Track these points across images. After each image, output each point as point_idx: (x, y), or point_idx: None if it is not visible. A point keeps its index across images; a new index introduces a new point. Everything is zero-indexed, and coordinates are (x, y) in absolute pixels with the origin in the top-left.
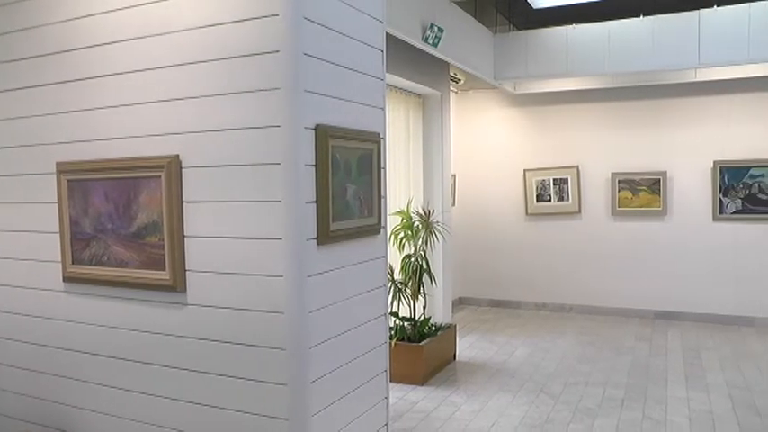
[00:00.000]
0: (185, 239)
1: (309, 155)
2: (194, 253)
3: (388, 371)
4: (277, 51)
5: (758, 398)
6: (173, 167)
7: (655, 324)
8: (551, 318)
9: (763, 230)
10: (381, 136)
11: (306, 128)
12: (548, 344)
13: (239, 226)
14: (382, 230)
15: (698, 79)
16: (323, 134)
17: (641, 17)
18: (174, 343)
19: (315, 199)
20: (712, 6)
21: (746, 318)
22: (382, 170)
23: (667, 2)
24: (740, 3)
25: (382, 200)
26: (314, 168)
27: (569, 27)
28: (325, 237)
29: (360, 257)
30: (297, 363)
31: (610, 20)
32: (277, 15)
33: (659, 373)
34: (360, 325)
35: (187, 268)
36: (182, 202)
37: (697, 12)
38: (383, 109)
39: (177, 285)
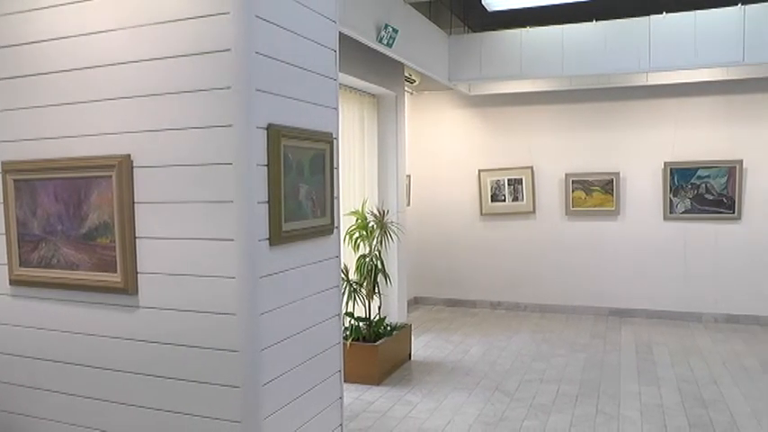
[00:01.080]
0: (137, 241)
1: (261, 155)
2: (146, 255)
3: (342, 371)
4: (228, 50)
5: (704, 390)
6: (124, 167)
7: (608, 321)
8: (506, 316)
9: (711, 229)
10: (334, 136)
11: (258, 127)
12: (503, 342)
13: (191, 227)
14: (335, 231)
15: (649, 83)
16: (275, 134)
17: (594, 22)
18: (125, 347)
19: (267, 199)
20: (661, 13)
21: (695, 314)
22: (335, 170)
23: (619, 8)
24: (686, 11)
25: (335, 200)
26: (266, 168)
27: (523, 30)
28: (277, 237)
29: (313, 258)
30: (249, 365)
31: (563, 23)
32: (228, 13)
33: (612, 369)
34: (313, 326)
35: (139, 270)
36: (133, 202)
37: (647, 18)
38: (336, 109)
39: (129, 288)
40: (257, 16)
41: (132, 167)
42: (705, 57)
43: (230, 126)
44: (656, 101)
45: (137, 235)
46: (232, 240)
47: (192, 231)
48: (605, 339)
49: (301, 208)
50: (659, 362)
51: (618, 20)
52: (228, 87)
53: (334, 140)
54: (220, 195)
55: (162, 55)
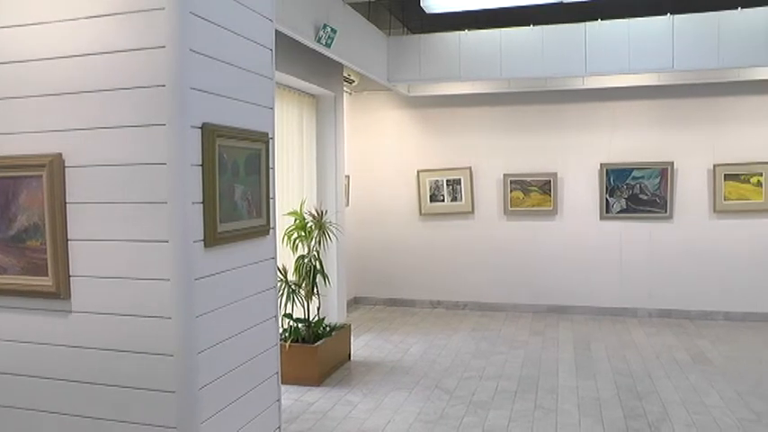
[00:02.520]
0: (69, 243)
1: (196, 154)
2: (79, 257)
3: (280, 373)
4: (162, 47)
5: (639, 383)
6: (54, 167)
7: (547, 318)
8: (446, 315)
9: (645, 228)
10: (270, 136)
11: (192, 127)
12: (442, 341)
13: (125, 228)
14: (271, 231)
15: (585, 86)
16: (210, 133)
17: (531, 27)
18: (57, 353)
19: (202, 200)
20: (597, 20)
21: (631, 309)
22: (271, 170)
23: (556, 14)
24: (620, 18)
25: (271, 200)
26: (200, 168)
27: (462, 33)
28: (212, 238)
29: (249, 259)
30: (185, 369)
31: (502, 28)
32: (162, 9)
33: (551, 364)
34: (250, 328)
35: (71, 274)
36: (64, 203)
37: (583, 24)
38: (272, 109)
39: (61, 292)
40: (192, 13)
41: (64, 167)
42: (638, 63)
43: (164, 125)
44: (592, 104)
45: (69, 237)
46: (166, 242)
47: (125, 233)
48: (544, 336)
49: (237, 209)
50: (596, 357)
51: (555, 25)
52: (162, 85)
53: (270, 140)
54: (154, 196)
55: (94, 51)
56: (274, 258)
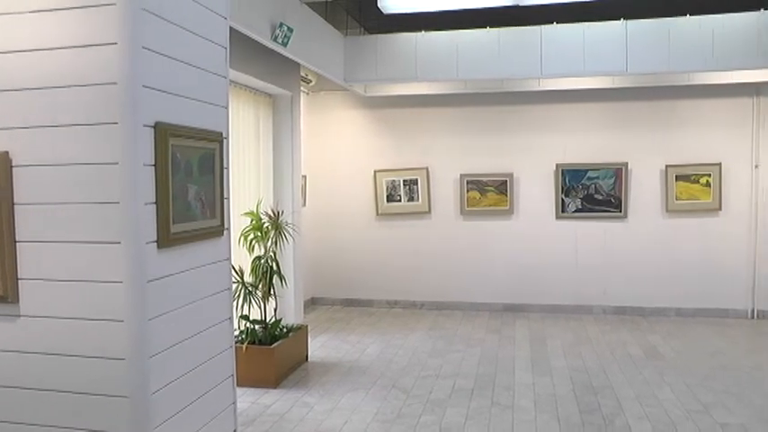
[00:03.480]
0: (17, 245)
1: (148, 154)
2: (27, 260)
3: (235, 376)
4: (114, 43)
5: (594, 378)
6: (1, 166)
7: (503, 316)
8: (403, 315)
9: (600, 227)
10: (224, 135)
11: (144, 125)
12: (399, 340)
13: (75, 229)
14: (226, 232)
15: (541, 88)
16: (163, 132)
17: (488, 28)
18: (6, 359)
19: (154, 200)
20: (552, 23)
21: (586, 306)
22: (225, 170)
23: (512, 17)
24: (576, 22)
25: (225, 201)
26: (153, 168)
27: (419, 34)
28: (165, 239)
29: (203, 260)
30: (137, 373)
31: (458, 29)
32: (113, 5)
33: (507, 362)
34: (204, 330)
35: (19, 276)
36: (12, 203)
37: (539, 27)
38: (226, 108)
39: (9, 296)
40: (144, 9)
41: (11, 166)
42: (592, 66)
43: (116, 124)
44: (548, 106)
45: (17, 239)
46: (118, 243)
47: (76, 234)
48: (500, 334)
49: (190, 209)
50: (552, 353)
51: (511, 28)
52: (114, 83)
53: (225, 140)
54: (106, 196)
55: (43, 46)
56: (229, 259)
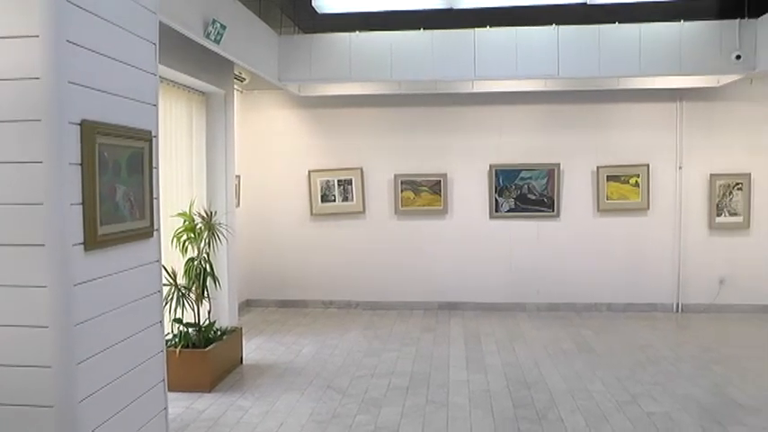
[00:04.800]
0: None
1: (74, 153)
2: None
3: (166, 380)
4: (36, 36)
5: (527, 373)
6: None
7: (438, 315)
8: (338, 315)
9: (533, 226)
10: (154, 134)
11: (70, 123)
12: (334, 341)
13: None
14: (156, 233)
15: (475, 90)
16: (89, 130)
17: (422, 30)
18: None
19: (81, 201)
20: (485, 27)
21: (520, 304)
22: (155, 170)
23: (446, 19)
24: (508, 26)
25: (155, 201)
26: (79, 167)
27: (353, 34)
28: (92, 241)
29: (132, 262)
30: (64, 381)
31: (392, 30)
32: None
33: (442, 360)
34: (134, 334)
35: None
36: None
37: (472, 30)
38: (156, 106)
39: None
40: (68, 1)
41: None
42: (525, 69)
43: (39, 121)
44: (481, 107)
45: None
46: (43, 246)
47: None
48: (435, 332)
49: (119, 210)
50: (486, 350)
51: (445, 30)
52: (37, 78)
53: (154, 138)
54: (29, 197)
55: None
56: (159, 261)
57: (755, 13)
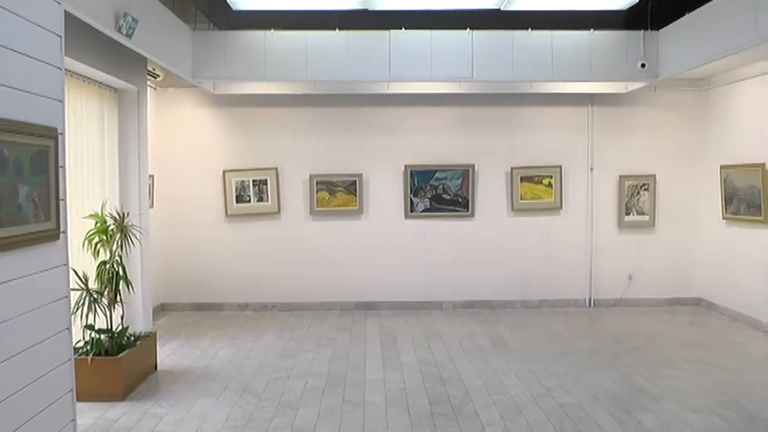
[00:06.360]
0: None
1: None
2: None
3: (75, 390)
4: None
5: (443, 370)
6: None
7: (354, 315)
8: (254, 317)
9: (448, 226)
10: (60, 131)
11: None
12: (250, 343)
13: None
14: (62, 236)
15: (390, 92)
16: None
17: (337, 30)
18: None
19: None
20: (401, 29)
21: (436, 302)
22: (61, 169)
23: (362, 20)
24: (423, 29)
25: (61, 202)
26: None
27: (268, 32)
28: None
29: (36, 266)
30: None
31: (308, 30)
32: None
33: (358, 359)
34: (38, 342)
35: None
36: None
37: (388, 32)
38: (62, 102)
39: None
40: None
41: None
42: (439, 72)
43: None
44: (397, 108)
45: None
46: None
47: None
48: (351, 332)
49: (21, 211)
50: (402, 349)
51: (360, 31)
52: None
53: (60, 136)
54: None
55: None
56: (67, 264)
57: (657, 26)
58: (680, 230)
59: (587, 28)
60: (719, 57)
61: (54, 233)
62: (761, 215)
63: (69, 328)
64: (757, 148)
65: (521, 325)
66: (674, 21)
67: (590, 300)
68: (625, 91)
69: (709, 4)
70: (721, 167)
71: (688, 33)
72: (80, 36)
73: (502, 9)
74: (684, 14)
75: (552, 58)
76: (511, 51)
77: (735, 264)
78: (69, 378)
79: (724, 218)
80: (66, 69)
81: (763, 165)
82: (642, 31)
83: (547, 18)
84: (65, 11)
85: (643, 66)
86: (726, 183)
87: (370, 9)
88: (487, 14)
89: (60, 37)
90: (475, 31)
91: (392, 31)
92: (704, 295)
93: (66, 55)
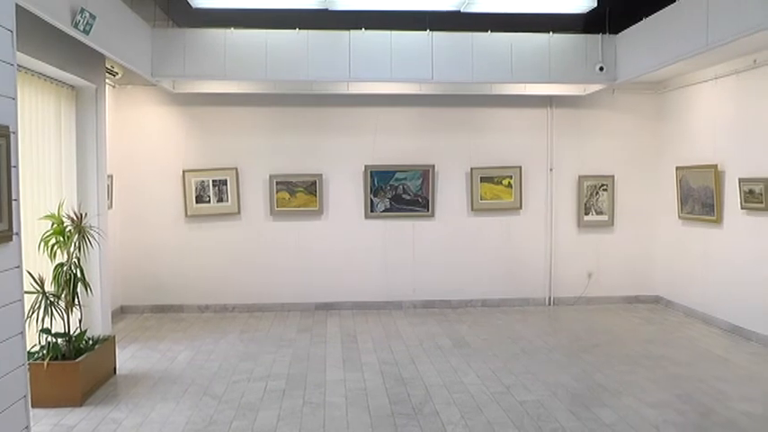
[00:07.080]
0: None
1: None
2: None
3: (29, 396)
4: None
5: (404, 370)
6: None
7: (315, 315)
8: (214, 319)
9: (408, 226)
10: (12, 130)
11: None
12: (210, 345)
13: None
14: (15, 237)
15: (350, 92)
16: None
17: (297, 30)
18: None
19: None
20: (361, 29)
21: (396, 302)
22: (14, 169)
23: (322, 20)
24: (383, 30)
25: (14, 203)
26: None
27: (228, 31)
28: None
29: None
30: None
31: (268, 29)
32: None
33: (319, 360)
34: None
35: None
36: None
37: (348, 32)
38: (14, 99)
39: None
40: None
41: None
42: (399, 72)
43: None
44: (357, 109)
45: None
46: None
47: None
48: (312, 333)
49: None
50: (363, 349)
51: (320, 31)
52: None
53: (13, 135)
54: None
55: None
56: (20, 267)
57: (615, 30)
58: (638, 230)
59: (547, 31)
60: (674, 61)
61: (6, 234)
62: (714, 215)
63: (23, 333)
64: (710, 149)
65: (481, 324)
66: (631, 25)
67: (550, 298)
68: (584, 93)
69: (664, 9)
70: (677, 168)
71: (645, 38)
72: (35, 32)
73: (462, 11)
74: (641, 19)
75: (512, 61)
76: (471, 53)
77: (690, 262)
78: (23, 384)
79: (680, 217)
80: (20, 66)
81: (716, 166)
82: (600, 34)
83: (506, 21)
84: (16, 4)
85: (601, 69)
86: (681, 183)
87: (330, 9)
88: (447, 16)
89: (11, 32)
90: (435, 33)
91: (352, 31)
92: (662, 293)
93: (20, 51)
